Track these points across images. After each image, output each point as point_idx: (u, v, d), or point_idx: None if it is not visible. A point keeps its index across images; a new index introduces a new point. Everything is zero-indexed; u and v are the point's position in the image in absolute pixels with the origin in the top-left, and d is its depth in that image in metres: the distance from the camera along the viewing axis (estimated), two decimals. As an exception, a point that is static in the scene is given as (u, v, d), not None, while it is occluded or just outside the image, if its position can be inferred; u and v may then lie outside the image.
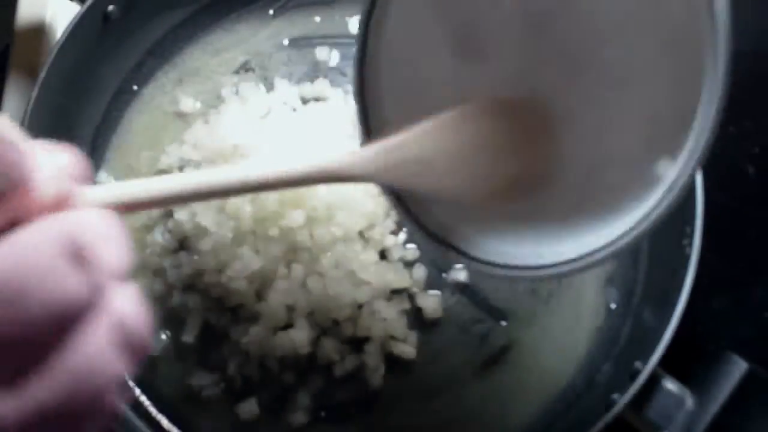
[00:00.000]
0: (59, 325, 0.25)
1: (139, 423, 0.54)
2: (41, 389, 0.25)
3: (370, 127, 0.45)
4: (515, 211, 0.43)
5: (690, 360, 0.51)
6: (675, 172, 0.35)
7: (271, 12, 0.67)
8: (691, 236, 0.52)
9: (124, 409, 0.28)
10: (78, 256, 0.25)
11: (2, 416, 0.24)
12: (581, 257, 0.38)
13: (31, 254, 0.24)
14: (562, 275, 0.39)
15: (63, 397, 0.25)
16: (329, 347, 0.56)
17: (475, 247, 0.43)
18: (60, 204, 0.26)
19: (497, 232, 0.43)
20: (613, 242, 0.37)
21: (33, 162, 0.25)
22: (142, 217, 0.60)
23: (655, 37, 0.37)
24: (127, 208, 0.30)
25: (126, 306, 0.27)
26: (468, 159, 0.40)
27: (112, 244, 0.26)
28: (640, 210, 0.36)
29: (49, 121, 0.56)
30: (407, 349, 0.57)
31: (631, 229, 0.36)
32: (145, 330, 0.28)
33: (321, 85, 0.64)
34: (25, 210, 0.25)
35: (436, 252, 0.44)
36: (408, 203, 0.45)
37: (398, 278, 0.57)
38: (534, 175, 0.41)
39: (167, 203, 0.32)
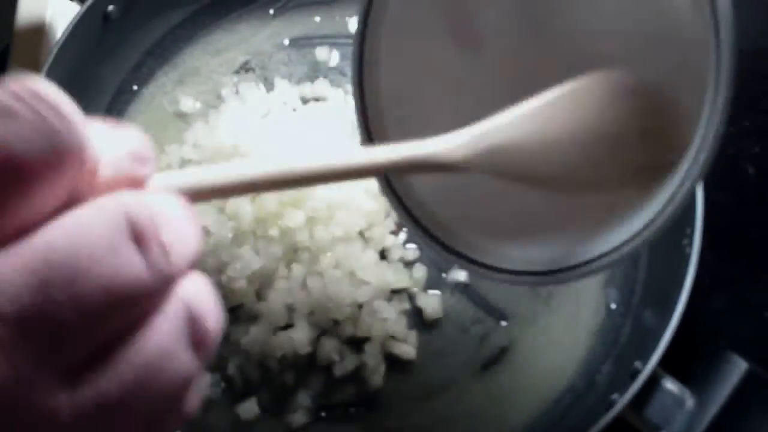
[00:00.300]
0: (121, 311, 0.22)
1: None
2: (102, 383, 0.22)
3: (370, 127, 0.44)
4: (519, 216, 0.42)
5: (690, 360, 0.51)
6: (673, 186, 0.34)
7: (271, 12, 0.67)
8: (691, 236, 0.52)
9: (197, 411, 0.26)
10: (144, 236, 0.22)
11: (56, 410, 0.21)
12: (584, 263, 0.37)
13: (90, 232, 0.22)
14: (564, 281, 0.39)
15: (125, 392, 0.23)
16: (329, 347, 0.56)
17: (476, 251, 0.42)
18: (125, 184, 0.24)
19: (500, 236, 0.42)
20: (615, 249, 0.36)
21: (91, 133, 0.23)
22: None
23: (657, 38, 0.36)
24: (197, 196, 0.27)
25: (197, 296, 0.25)
26: (574, 145, 0.37)
27: (184, 230, 0.24)
28: (642, 219, 0.36)
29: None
30: (407, 349, 0.57)
31: (634, 236, 0.36)
32: (216, 322, 0.25)
33: (321, 85, 0.64)
34: (86, 186, 0.23)
35: (437, 254, 0.44)
36: (409, 205, 0.44)
37: (398, 278, 0.57)
38: (630, 168, 0.38)
39: (241, 191, 0.29)
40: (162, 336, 0.23)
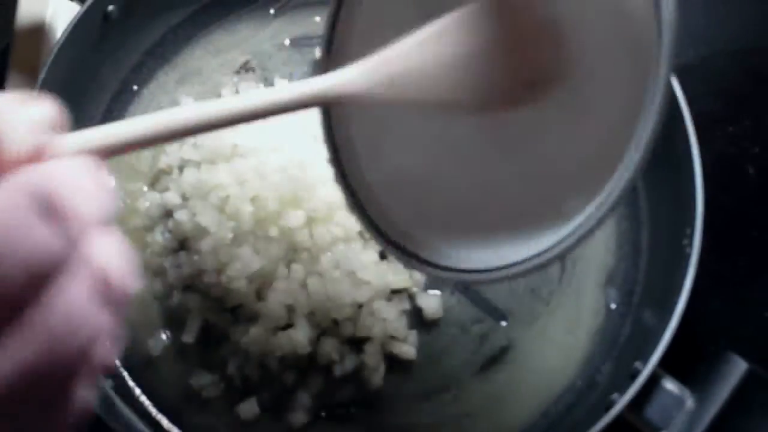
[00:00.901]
0: (34, 281, 0.24)
1: (139, 423, 0.54)
2: (21, 349, 0.24)
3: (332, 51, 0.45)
4: (471, 217, 0.43)
5: (690, 360, 0.51)
6: (612, 184, 0.35)
7: (271, 12, 0.67)
8: (691, 236, 0.52)
9: (117, 364, 0.27)
10: (50, 208, 0.24)
11: None
12: (527, 259, 0.38)
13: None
14: (511, 277, 0.39)
15: (44, 354, 0.24)
16: (329, 347, 0.56)
17: (431, 252, 0.43)
18: (34, 157, 0.25)
19: (455, 237, 0.43)
20: (557, 244, 0.37)
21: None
22: (142, 217, 0.60)
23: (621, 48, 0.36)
24: (106, 153, 0.29)
25: (107, 255, 0.26)
26: (465, 66, 0.39)
27: (88, 192, 0.25)
28: (576, 221, 0.36)
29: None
30: (407, 349, 0.57)
31: (564, 238, 0.36)
32: (128, 279, 0.27)
33: (321, 85, 0.64)
34: None
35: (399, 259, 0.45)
36: (368, 209, 0.45)
37: (398, 278, 0.57)
38: (531, 83, 0.40)
39: (148, 143, 0.31)
40: (74, 297, 0.25)
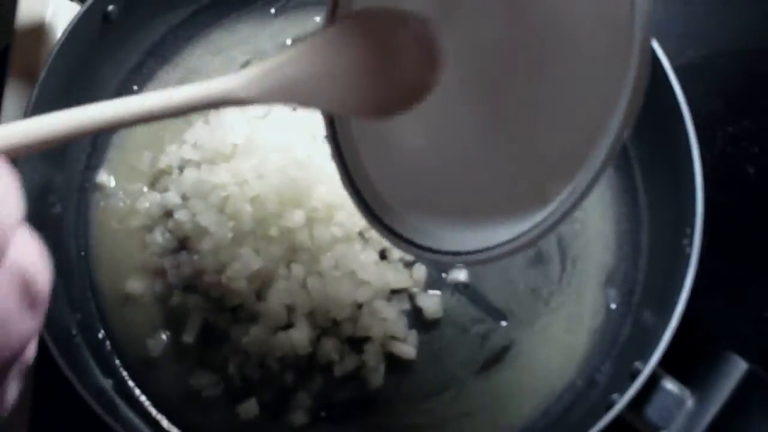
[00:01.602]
0: None
1: (139, 423, 0.54)
2: None
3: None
4: (454, 196, 0.44)
5: (690, 360, 0.51)
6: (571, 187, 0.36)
7: (272, 11, 0.67)
8: (691, 236, 0.52)
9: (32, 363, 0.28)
10: None
11: None
12: (508, 242, 0.39)
13: None
14: (491, 259, 0.40)
15: None
16: (329, 347, 0.56)
17: (412, 230, 0.45)
18: None
19: (437, 216, 0.45)
20: (538, 225, 0.38)
21: None
22: (142, 217, 0.60)
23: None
24: (13, 152, 0.30)
25: (26, 257, 0.26)
26: (347, 76, 0.41)
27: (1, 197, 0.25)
28: (555, 203, 0.37)
29: (49, 121, 0.56)
30: (407, 349, 0.57)
31: (539, 223, 0.37)
32: (47, 279, 0.27)
33: (321, 85, 0.64)
34: None
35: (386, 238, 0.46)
36: (357, 182, 0.47)
37: (398, 278, 0.57)
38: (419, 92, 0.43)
39: (53, 142, 0.32)
40: (2, 303, 0.25)
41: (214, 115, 0.62)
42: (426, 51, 0.43)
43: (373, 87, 0.42)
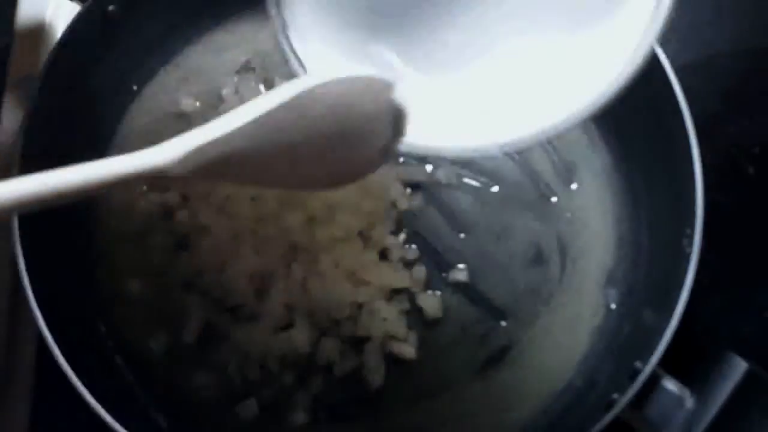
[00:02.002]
0: None
1: (139, 423, 0.54)
2: None
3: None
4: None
5: (690, 360, 0.51)
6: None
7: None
8: (691, 236, 0.52)
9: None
10: None
11: None
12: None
13: None
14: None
15: None
16: (329, 347, 0.56)
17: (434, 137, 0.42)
18: None
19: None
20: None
21: None
22: (142, 217, 0.60)
23: None
24: None
25: None
26: (299, 153, 0.39)
27: None
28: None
29: (49, 122, 0.56)
30: (407, 349, 0.57)
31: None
32: None
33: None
34: None
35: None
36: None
37: (398, 278, 0.58)
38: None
39: None
40: None
41: (213, 115, 0.62)
42: (389, 120, 0.41)
43: (330, 163, 0.41)
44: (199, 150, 0.36)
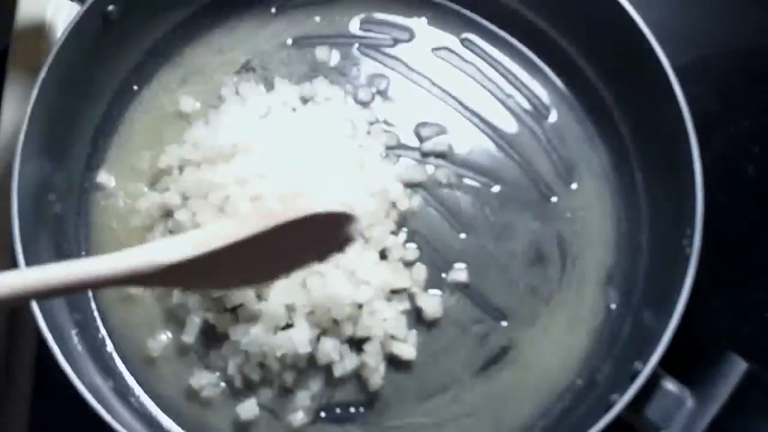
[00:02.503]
0: None
1: (139, 423, 0.54)
2: None
3: None
4: None
5: (690, 360, 0.51)
6: None
7: (272, 11, 0.67)
8: (691, 236, 0.52)
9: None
10: None
11: None
12: None
13: None
14: None
15: None
16: (329, 347, 0.56)
17: None
18: None
19: None
20: None
21: None
22: (142, 217, 0.60)
23: None
24: None
25: None
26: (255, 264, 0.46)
27: None
28: None
29: (49, 121, 0.56)
30: (407, 349, 0.57)
31: None
32: None
33: (321, 85, 0.64)
34: None
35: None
36: None
37: (398, 278, 0.57)
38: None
39: None
40: None
41: (214, 115, 0.62)
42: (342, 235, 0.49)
43: (283, 267, 0.49)
44: (174, 267, 0.41)
